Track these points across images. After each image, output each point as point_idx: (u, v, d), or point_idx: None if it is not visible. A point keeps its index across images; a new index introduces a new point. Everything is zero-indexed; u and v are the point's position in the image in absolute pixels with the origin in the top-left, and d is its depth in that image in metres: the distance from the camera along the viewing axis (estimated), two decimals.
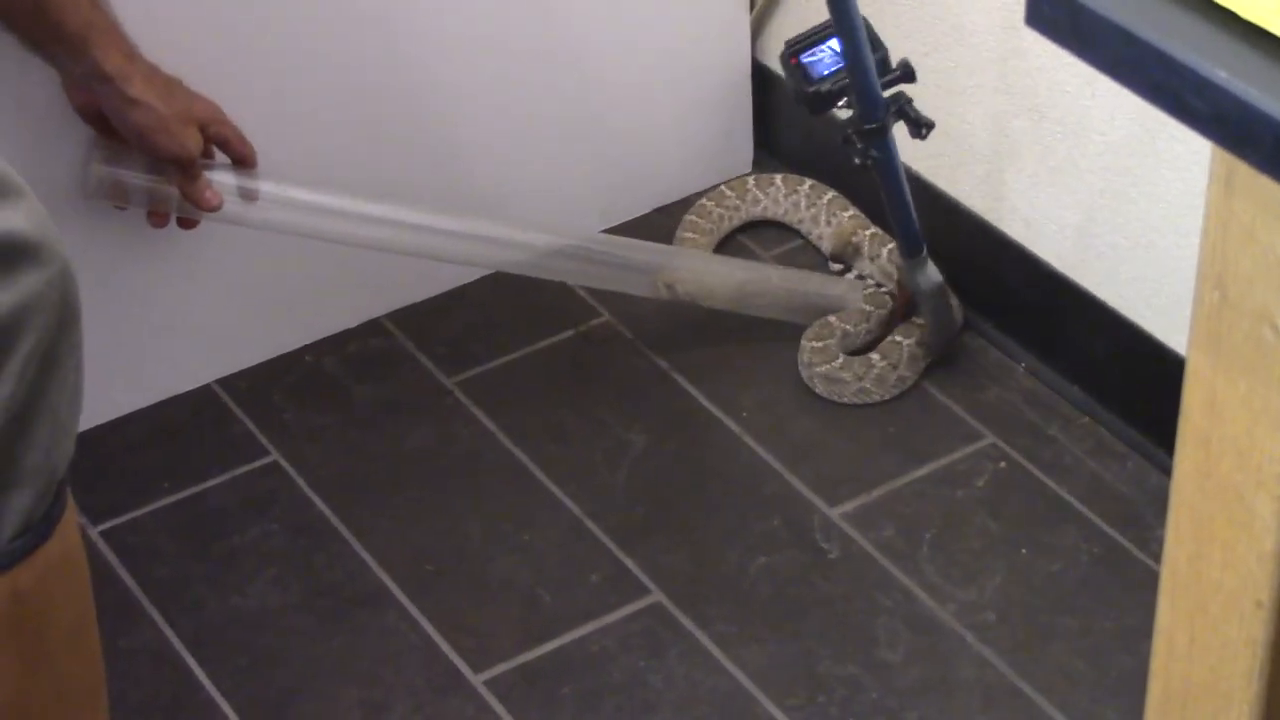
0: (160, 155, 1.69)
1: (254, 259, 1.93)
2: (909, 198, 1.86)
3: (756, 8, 2.13)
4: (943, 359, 1.96)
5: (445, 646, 1.72)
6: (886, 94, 1.78)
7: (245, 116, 1.78)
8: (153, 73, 1.65)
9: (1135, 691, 1.63)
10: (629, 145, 2.12)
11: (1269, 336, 0.86)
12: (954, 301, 1.96)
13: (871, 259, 2.03)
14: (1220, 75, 0.79)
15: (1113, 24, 0.82)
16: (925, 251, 1.90)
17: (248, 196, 1.76)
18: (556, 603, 1.75)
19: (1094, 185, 1.85)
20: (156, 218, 1.77)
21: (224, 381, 1.96)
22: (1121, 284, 1.86)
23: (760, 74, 2.17)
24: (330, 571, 1.79)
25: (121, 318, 1.88)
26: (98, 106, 1.67)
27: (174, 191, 1.73)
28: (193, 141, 1.69)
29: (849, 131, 1.79)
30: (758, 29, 2.15)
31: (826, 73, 1.78)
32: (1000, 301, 1.99)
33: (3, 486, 1.16)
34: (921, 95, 1.85)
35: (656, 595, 1.76)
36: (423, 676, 1.69)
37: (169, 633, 1.74)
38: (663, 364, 1.98)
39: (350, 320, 2.02)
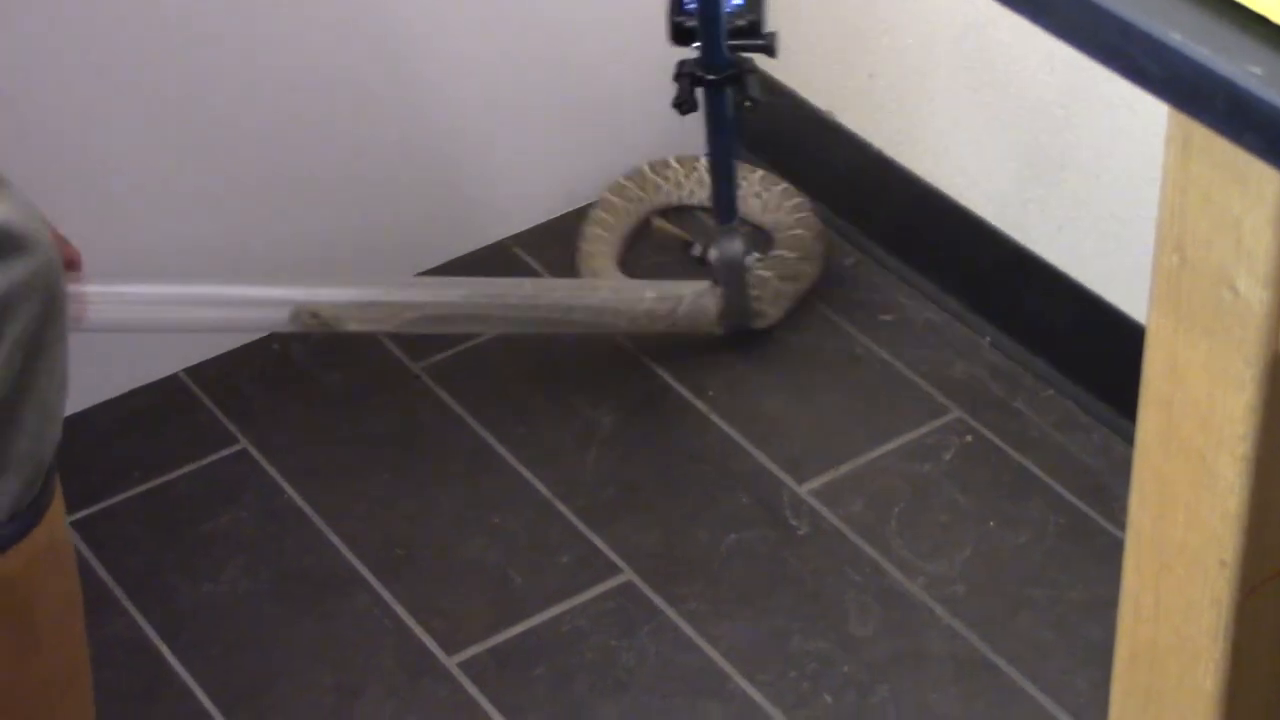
0: None
1: (218, 246, 1.93)
2: (734, 161, 1.88)
3: None
4: (915, 337, 1.97)
5: (417, 629, 1.72)
6: (739, 54, 1.79)
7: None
8: None
9: (1105, 661, 1.63)
10: (597, 119, 2.11)
11: (1228, 298, 0.87)
12: (752, 293, 1.94)
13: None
14: (1174, 38, 0.80)
15: None
16: (735, 223, 1.91)
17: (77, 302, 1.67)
18: (527, 584, 1.76)
19: (1055, 159, 1.85)
20: None
21: (191, 370, 1.96)
22: (1084, 256, 1.87)
23: None
24: (301, 557, 1.79)
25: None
26: None
27: None
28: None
29: (686, 71, 1.80)
30: None
31: (693, 7, 1.77)
32: (964, 276, 2.00)
33: None
34: (878, 71, 1.86)
35: (627, 574, 1.76)
36: (395, 660, 1.70)
37: (141, 621, 1.74)
38: (629, 345, 1.98)
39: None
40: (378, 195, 2.00)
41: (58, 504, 1.22)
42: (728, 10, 1.76)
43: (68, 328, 1.20)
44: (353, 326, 1.81)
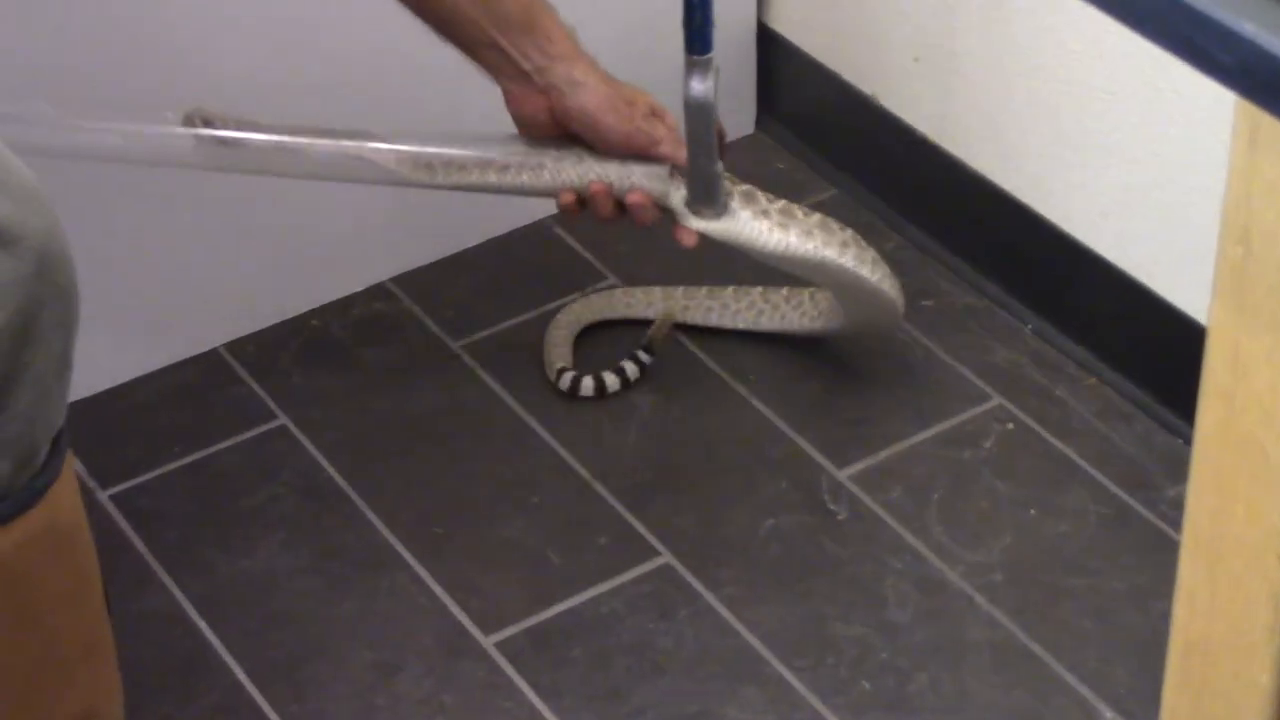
0: (609, 138, 1.59)
1: (258, 224, 1.93)
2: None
3: None
4: (955, 323, 1.96)
5: (455, 609, 1.72)
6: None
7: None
8: (593, 59, 1.59)
9: (1144, 651, 1.64)
10: None
11: None
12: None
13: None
14: (1247, 28, 0.79)
15: None
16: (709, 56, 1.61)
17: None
18: (565, 565, 1.76)
19: (1100, 144, 1.84)
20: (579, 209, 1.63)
21: (231, 345, 1.96)
22: (1127, 243, 1.86)
23: (765, 35, 2.16)
24: (339, 534, 1.79)
25: (128, 282, 1.88)
26: (542, 108, 1.59)
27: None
28: (642, 120, 1.59)
29: None
30: None
31: None
32: (1006, 262, 1.99)
33: None
34: (923, 54, 1.85)
35: (665, 557, 1.76)
36: (433, 638, 1.70)
37: (179, 596, 1.74)
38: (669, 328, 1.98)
39: (355, 284, 2.02)
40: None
41: (63, 486, 1.22)
42: None
43: (73, 311, 1.20)
44: (255, 139, 1.60)
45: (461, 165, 1.62)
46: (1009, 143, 1.95)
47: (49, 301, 1.17)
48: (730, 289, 1.93)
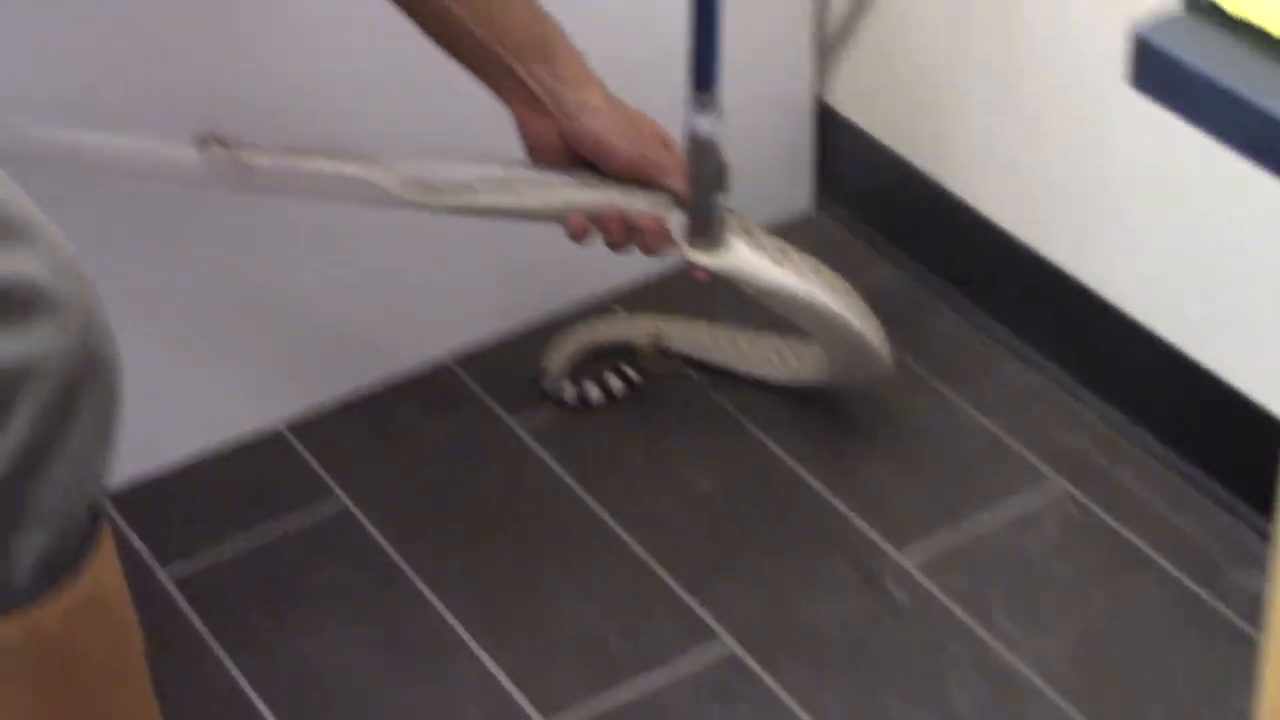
0: (617, 163, 1.60)
1: (320, 304, 1.94)
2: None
3: (823, 45, 2.13)
4: (1018, 404, 1.95)
5: (514, 691, 1.72)
6: None
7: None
8: (603, 85, 1.60)
9: None
10: None
11: None
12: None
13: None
14: None
15: (1219, 86, 0.81)
16: (713, 94, 1.64)
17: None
18: (626, 649, 1.75)
19: (1169, 231, 1.84)
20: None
21: (293, 424, 1.96)
22: (1194, 328, 1.85)
23: (824, 112, 2.16)
24: (398, 615, 1.78)
25: (191, 359, 1.89)
26: (552, 132, 1.60)
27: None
28: (651, 149, 1.61)
29: None
30: (822, 66, 2.15)
31: None
32: (1070, 343, 1.98)
33: (14, 527, 1.17)
34: (986, 135, 1.84)
35: (726, 641, 1.75)
36: None
37: (237, 675, 1.74)
38: (729, 407, 1.97)
39: (419, 364, 2.02)
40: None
41: (104, 557, 1.22)
42: None
43: (113, 385, 1.20)
44: (263, 165, 1.60)
45: (469, 187, 1.62)
46: (1075, 226, 1.94)
47: (90, 375, 1.18)
48: (722, 327, 1.99)
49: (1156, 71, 0.84)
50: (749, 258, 1.65)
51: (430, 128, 1.85)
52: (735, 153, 2.10)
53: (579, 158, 1.61)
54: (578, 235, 1.62)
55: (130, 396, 1.87)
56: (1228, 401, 1.82)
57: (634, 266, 2.10)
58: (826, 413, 1.96)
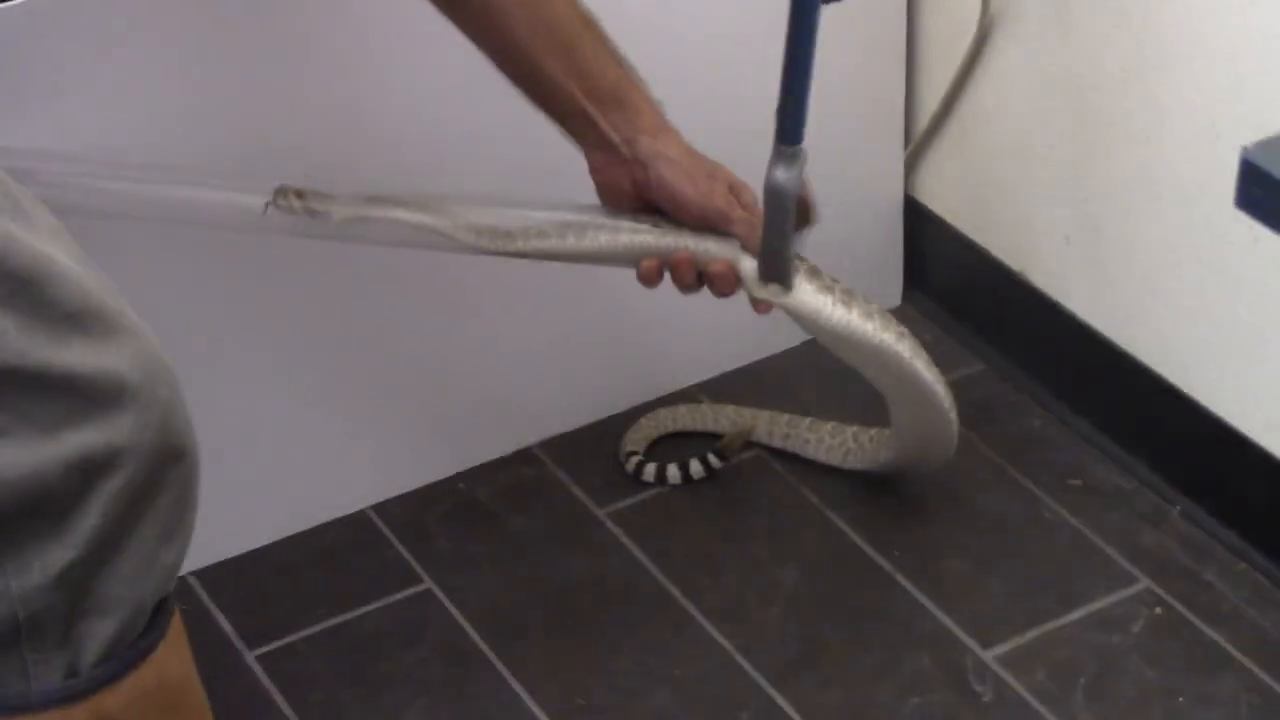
0: (687, 210, 1.60)
1: (407, 386, 1.95)
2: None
3: (912, 143, 2.14)
4: (1103, 503, 1.95)
5: None
6: None
7: None
8: (678, 134, 1.62)
9: None
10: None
11: None
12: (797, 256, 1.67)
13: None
14: None
15: None
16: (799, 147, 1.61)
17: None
18: None
19: (1255, 332, 1.84)
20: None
21: (379, 507, 1.98)
22: (1279, 428, 1.85)
23: (912, 209, 2.17)
24: (482, 702, 1.79)
25: (278, 443, 1.91)
26: (625, 178, 1.61)
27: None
28: (720, 196, 1.61)
29: None
30: (912, 164, 2.16)
31: None
32: (1155, 443, 1.98)
33: (83, 613, 1.19)
34: (1073, 233, 1.84)
35: None
36: None
37: None
38: (814, 499, 1.98)
39: (503, 448, 2.03)
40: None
41: (173, 645, 1.24)
42: None
43: (189, 475, 1.22)
44: (337, 214, 1.62)
45: (540, 232, 1.63)
46: (1160, 325, 1.94)
47: (166, 468, 1.20)
48: (800, 416, 2.03)
49: (1264, 194, 0.85)
50: (816, 297, 1.66)
51: (505, 176, 1.87)
52: (827, 246, 2.12)
53: (650, 204, 1.61)
54: (648, 278, 1.62)
55: (221, 478, 1.90)
56: None
57: (719, 358, 2.12)
58: (909, 505, 1.96)
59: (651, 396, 2.08)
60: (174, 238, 1.76)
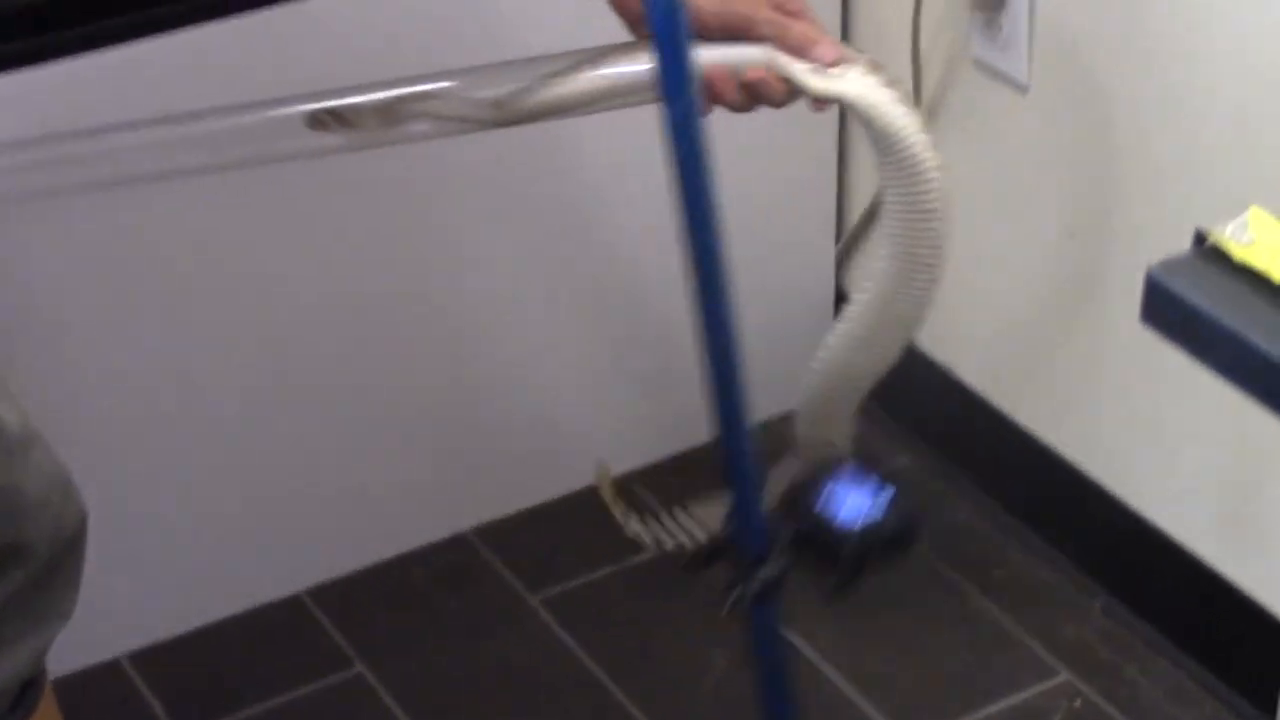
0: (705, 23, 1.43)
1: (342, 469, 1.97)
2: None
3: (843, 238, 2.18)
4: (1026, 596, 1.98)
5: None
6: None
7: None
8: None
9: None
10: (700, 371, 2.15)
11: None
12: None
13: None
14: None
15: (1230, 332, 0.86)
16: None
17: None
18: None
19: (1178, 428, 1.87)
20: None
21: (313, 591, 2.00)
22: (1202, 528, 1.88)
23: (841, 300, 2.21)
24: None
25: (211, 525, 1.93)
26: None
27: None
28: (739, 3, 1.43)
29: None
30: (843, 259, 2.20)
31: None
32: (1078, 537, 2.01)
33: None
34: (1003, 329, 1.87)
35: None
36: None
37: None
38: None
39: (438, 533, 2.05)
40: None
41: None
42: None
43: (58, 567, 1.24)
44: (374, 123, 1.49)
45: (544, 82, 1.46)
46: (1084, 422, 1.98)
47: (33, 596, 1.22)
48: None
49: (1167, 311, 0.88)
50: (872, 87, 1.45)
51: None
52: (756, 339, 2.15)
53: None
54: None
55: (157, 560, 1.92)
56: (1238, 603, 1.84)
57: (654, 444, 2.15)
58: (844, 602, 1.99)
59: (584, 483, 2.11)
60: (116, 319, 1.79)
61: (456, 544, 2.06)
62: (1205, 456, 1.85)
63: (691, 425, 2.14)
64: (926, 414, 2.16)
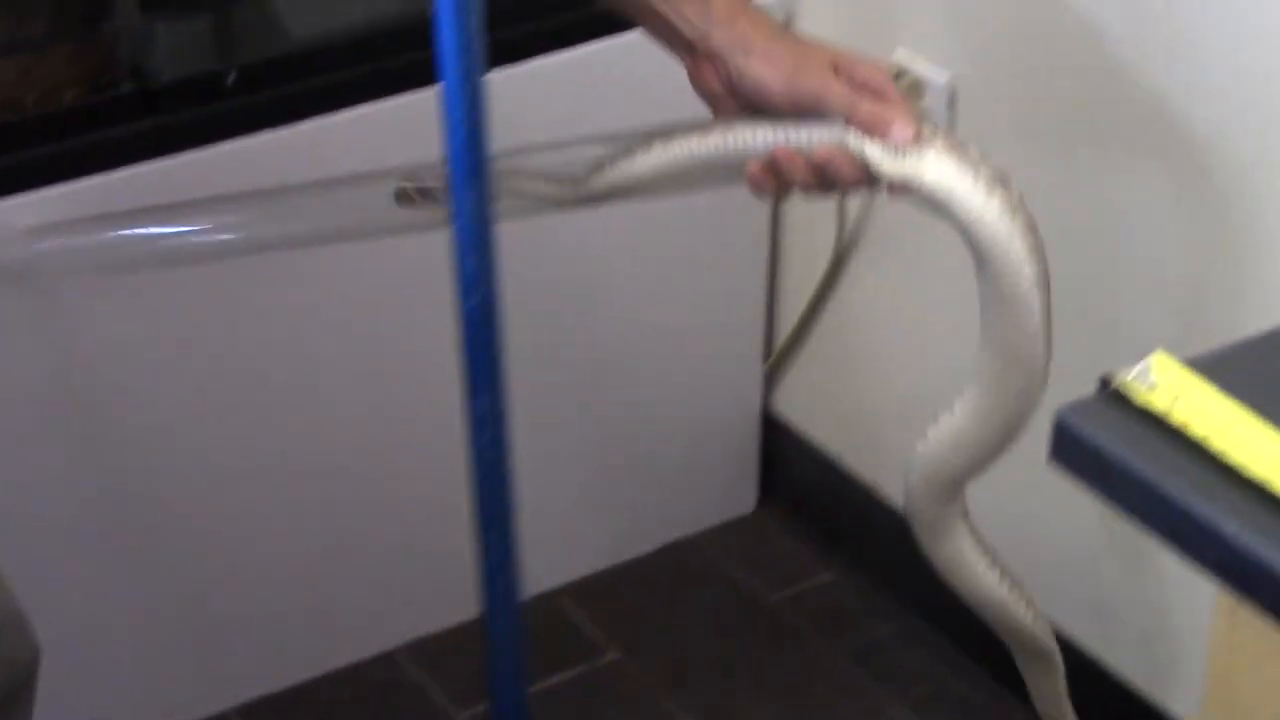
0: (774, 99, 1.36)
1: (272, 586, 1.99)
2: None
3: (772, 356, 2.22)
4: (948, 709, 2.00)
5: None
6: None
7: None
8: (762, 17, 1.39)
9: None
10: (631, 483, 2.18)
11: None
12: None
13: None
14: (1230, 528, 0.87)
15: (1135, 474, 0.89)
16: None
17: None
18: None
19: (1086, 546, 1.91)
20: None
21: (243, 708, 2.00)
22: (1120, 649, 1.91)
23: (770, 420, 2.24)
24: None
25: (132, 646, 1.93)
26: (714, 78, 1.38)
27: None
28: (812, 75, 1.35)
29: None
30: (771, 377, 2.23)
31: None
32: (1001, 652, 2.03)
33: None
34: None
35: None
36: None
37: None
38: (668, 705, 2.02)
39: (364, 651, 2.06)
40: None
41: None
42: None
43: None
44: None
45: (628, 152, 1.41)
46: (1002, 538, 2.00)
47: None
48: None
49: (1074, 453, 0.92)
50: (951, 170, 1.32)
51: None
52: (684, 454, 2.19)
53: (747, 103, 1.38)
54: (757, 185, 1.38)
55: (92, 677, 1.90)
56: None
57: (586, 557, 2.17)
58: (762, 712, 2.00)
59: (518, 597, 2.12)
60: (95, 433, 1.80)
61: (384, 662, 2.06)
62: (1129, 584, 1.89)
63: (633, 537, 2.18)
64: (851, 530, 2.19)
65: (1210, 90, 1.64)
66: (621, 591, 2.16)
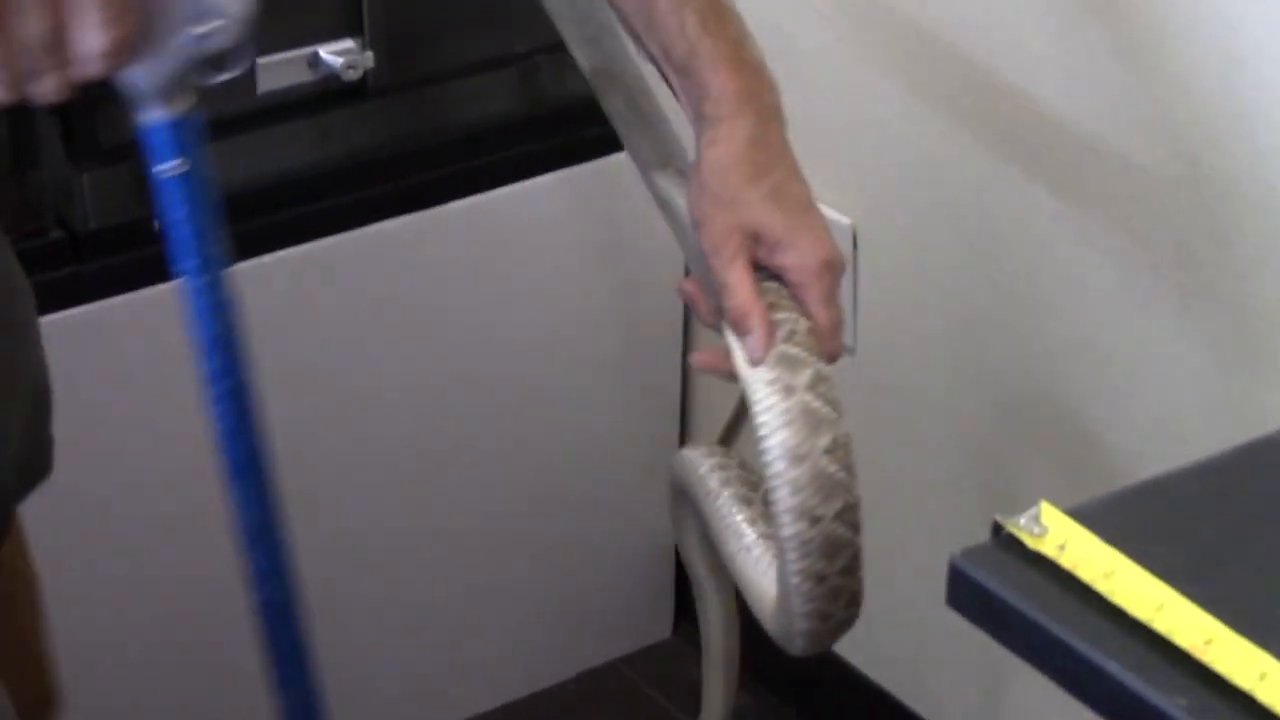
0: (702, 231, 1.25)
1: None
2: None
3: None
4: None
5: None
6: None
7: None
8: (742, 122, 1.24)
9: None
10: (545, 610, 2.22)
11: None
12: None
13: None
14: (1112, 667, 0.92)
15: (1025, 616, 0.95)
16: None
17: None
18: None
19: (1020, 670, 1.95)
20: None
21: None
22: None
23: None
24: None
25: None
26: None
27: None
28: (716, 234, 1.24)
29: None
30: None
31: None
32: None
33: None
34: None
35: None
36: None
37: None
38: None
39: None
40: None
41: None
42: None
43: None
44: None
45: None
46: (927, 665, 2.05)
47: None
48: None
49: (968, 596, 0.97)
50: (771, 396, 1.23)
51: None
52: (596, 581, 2.22)
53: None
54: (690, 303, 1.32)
55: None
56: None
57: (512, 682, 2.19)
58: None
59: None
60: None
61: None
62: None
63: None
64: (763, 655, 2.21)
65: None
66: (541, 718, 2.19)
